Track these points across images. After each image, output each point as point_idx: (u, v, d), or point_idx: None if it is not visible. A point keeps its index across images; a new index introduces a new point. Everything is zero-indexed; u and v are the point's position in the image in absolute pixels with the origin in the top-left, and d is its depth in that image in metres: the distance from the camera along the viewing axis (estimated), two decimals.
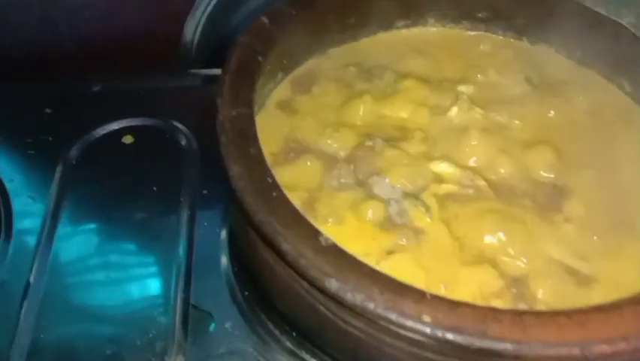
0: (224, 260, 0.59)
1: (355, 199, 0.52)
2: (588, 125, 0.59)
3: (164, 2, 0.76)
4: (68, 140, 0.69)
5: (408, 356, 0.40)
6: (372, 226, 0.51)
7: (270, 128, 0.57)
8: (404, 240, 0.50)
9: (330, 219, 0.51)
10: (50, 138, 0.70)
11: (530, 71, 0.64)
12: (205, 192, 0.65)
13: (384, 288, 0.37)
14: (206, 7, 0.77)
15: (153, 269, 0.60)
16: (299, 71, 0.64)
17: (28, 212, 0.63)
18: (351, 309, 0.37)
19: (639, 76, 0.60)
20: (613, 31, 0.57)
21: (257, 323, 0.54)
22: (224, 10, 0.78)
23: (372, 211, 0.52)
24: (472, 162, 0.56)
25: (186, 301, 0.56)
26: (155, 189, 0.65)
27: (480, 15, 0.67)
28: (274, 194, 0.42)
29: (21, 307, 0.55)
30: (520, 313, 0.36)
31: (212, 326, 0.54)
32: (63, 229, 0.62)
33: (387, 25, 0.68)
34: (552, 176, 0.55)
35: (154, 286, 0.58)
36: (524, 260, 0.49)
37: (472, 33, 0.69)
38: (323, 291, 0.38)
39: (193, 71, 0.79)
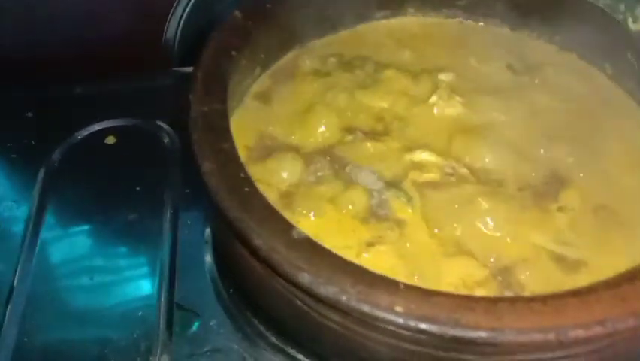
0: (208, 258, 0.59)
1: (334, 192, 0.52)
2: (571, 111, 0.58)
3: (145, 2, 0.75)
4: (50, 143, 0.69)
5: (385, 347, 0.40)
6: (352, 219, 0.51)
7: (247, 122, 0.57)
8: (385, 231, 0.50)
9: (308, 213, 0.51)
10: (32, 142, 0.69)
11: (511, 58, 0.63)
12: (188, 190, 0.64)
13: (357, 280, 0.37)
14: (186, 5, 0.77)
15: (137, 269, 0.60)
16: (278, 64, 0.63)
17: (12, 216, 0.63)
18: (325, 302, 0.37)
19: (620, 59, 0.59)
20: (591, 14, 0.57)
21: (242, 320, 0.54)
22: (205, 7, 0.77)
23: (352, 203, 0.51)
24: (453, 150, 0.55)
25: (171, 301, 0.56)
26: (138, 189, 0.65)
27: (460, 2, 0.66)
28: (247, 189, 0.42)
29: (5, 311, 0.55)
30: (494, 301, 0.35)
31: (197, 324, 0.54)
32: (46, 232, 0.62)
33: (367, 17, 0.67)
34: (536, 163, 0.55)
35: (138, 286, 0.58)
36: (508, 249, 0.49)
37: (453, 21, 0.68)
38: (296, 285, 0.37)
39: (175, 69, 0.78)
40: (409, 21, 0.68)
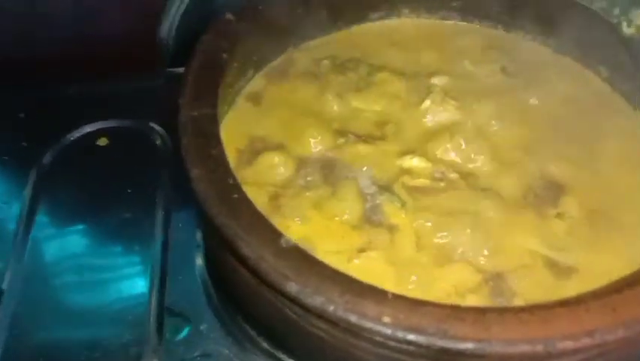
0: (199, 261, 0.58)
1: (326, 196, 0.52)
2: (566, 115, 0.58)
3: (138, 1, 0.75)
4: (42, 144, 0.68)
5: (375, 357, 0.39)
6: (344, 223, 0.50)
7: (239, 124, 0.57)
8: (376, 237, 0.49)
9: (298, 217, 0.50)
10: (24, 143, 0.69)
11: (506, 60, 0.63)
12: (180, 192, 0.64)
13: (345, 289, 0.36)
14: (180, 5, 0.76)
15: (128, 272, 0.59)
16: (271, 66, 0.63)
17: (3, 217, 0.63)
18: (312, 312, 0.37)
19: (615, 61, 0.59)
20: (585, 17, 0.56)
21: (232, 324, 0.53)
22: (199, 6, 0.77)
23: (344, 208, 0.51)
24: (445, 156, 0.55)
25: (161, 304, 0.56)
26: (129, 191, 0.64)
27: (454, 4, 0.66)
28: (235, 196, 0.42)
29: None
30: (483, 311, 0.35)
31: (187, 328, 0.54)
32: (37, 234, 0.61)
33: (361, 18, 0.67)
34: (530, 167, 0.54)
35: (129, 289, 0.58)
36: (499, 255, 0.48)
37: (448, 22, 0.68)
38: (284, 294, 0.37)
39: (169, 70, 0.78)
40: (404, 22, 0.68)
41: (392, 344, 0.36)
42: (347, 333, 0.38)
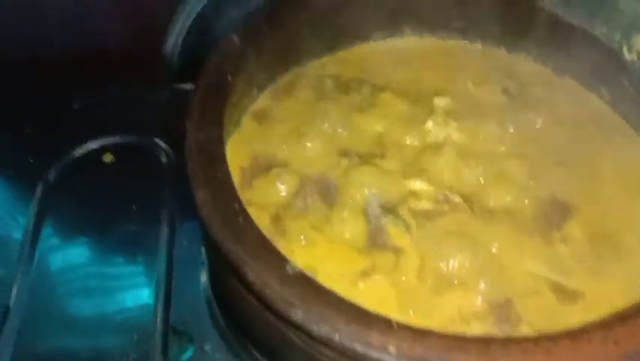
0: (203, 278, 0.58)
1: (328, 218, 0.52)
2: (568, 137, 0.58)
3: (144, 16, 0.75)
4: (48, 159, 0.69)
5: None
6: (348, 246, 0.50)
7: (242, 143, 0.57)
8: (380, 260, 0.49)
9: (301, 240, 0.50)
10: (30, 158, 0.69)
11: (508, 81, 0.63)
12: (185, 209, 0.64)
13: (351, 318, 0.37)
14: (185, 20, 0.76)
15: (133, 289, 0.60)
16: (275, 85, 0.63)
17: (9, 233, 0.63)
18: (317, 340, 0.37)
19: (616, 84, 0.59)
20: (587, 42, 0.57)
21: (237, 345, 0.54)
22: (205, 22, 0.77)
23: (346, 230, 0.51)
24: (447, 178, 0.55)
25: (166, 323, 0.56)
26: (134, 207, 0.65)
27: (457, 24, 0.66)
28: (241, 220, 0.42)
29: (1, 330, 0.55)
30: (487, 342, 0.35)
31: (192, 348, 0.54)
32: (43, 251, 0.62)
33: (364, 37, 0.67)
34: (533, 190, 0.54)
35: (134, 307, 0.58)
36: (504, 279, 0.48)
37: (450, 42, 0.68)
38: (289, 322, 0.38)
39: (175, 85, 0.78)
40: (407, 42, 0.68)
41: None
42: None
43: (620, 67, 0.57)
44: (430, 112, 0.59)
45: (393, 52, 0.67)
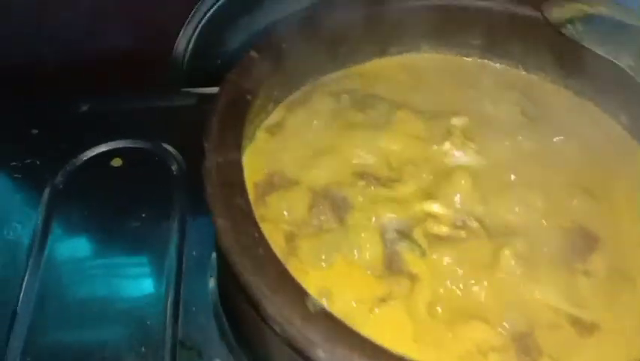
0: (212, 285, 0.58)
1: (343, 240, 0.51)
2: (586, 162, 0.57)
3: (154, 20, 0.74)
4: (56, 163, 0.69)
5: None
6: (364, 270, 0.50)
7: (257, 158, 0.56)
8: (396, 286, 0.49)
9: (317, 262, 0.50)
10: (37, 162, 0.69)
11: (526, 102, 0.62)
12: (194, 216, 0.64)
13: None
14: (197, 24, 0.75)
15: (141, 300, 0.59)
16: (290, 99, 0.62)
17: (17, 237, 0.63)
18: None
19: (636, 110, 0.58)
20: (611, 72, 0.56)
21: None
22: (217, 27, 0.76)
23: (362, 254, 0.50)
24: (464, 202, 0.54)
25: (174, 337, 0.56)
26: (143, 212, 0.65)
27: (475, 42, 0.66)
28: (261, 251, 0.41)
29: (9, 336, 0.55)
30: None
31: None
32: (50, 255, 0.62)
33: (381, 52, 0.66)
34: (554, 218, 0.53)
35: (143, 316, 0.57)
36: (525, 311, 0.48)
37: (467, 59, 0.67)
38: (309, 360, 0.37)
39: (184, 90, 0.77)
40: (424, 58, 0.67)
41: None
42: None
43: None
44: (447, 131, 0.59)
45: (410, 67, 0.66)
